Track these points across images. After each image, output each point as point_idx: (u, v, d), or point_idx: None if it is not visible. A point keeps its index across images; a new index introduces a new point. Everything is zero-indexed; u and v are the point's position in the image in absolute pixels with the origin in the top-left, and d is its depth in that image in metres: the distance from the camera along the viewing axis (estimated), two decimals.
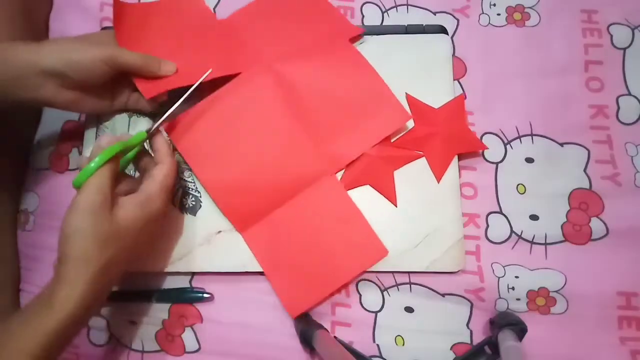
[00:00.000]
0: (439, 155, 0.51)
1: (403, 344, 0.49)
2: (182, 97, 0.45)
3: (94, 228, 0.36)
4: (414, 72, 0.53)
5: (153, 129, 0.43)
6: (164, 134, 0.46)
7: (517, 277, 0.50)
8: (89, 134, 0.53)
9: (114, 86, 0.48)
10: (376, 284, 0.50)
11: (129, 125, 0.53)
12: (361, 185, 0.50)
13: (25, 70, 0.41)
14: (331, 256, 0.48)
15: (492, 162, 0.52)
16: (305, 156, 0.49)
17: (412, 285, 0.50)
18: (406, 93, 0.52)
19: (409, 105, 0.52)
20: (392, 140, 0.51)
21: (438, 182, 0.50)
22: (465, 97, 0.53)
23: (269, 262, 0.49)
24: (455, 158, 0.51)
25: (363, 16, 0.57)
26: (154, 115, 0.53)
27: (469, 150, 0.52)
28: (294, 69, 0.50)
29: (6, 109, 0.44)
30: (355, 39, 0.53)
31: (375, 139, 0.50)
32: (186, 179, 0.51)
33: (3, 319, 0.50)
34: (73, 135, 0.55)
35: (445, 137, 0.51)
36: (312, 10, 0.55)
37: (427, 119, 0.51)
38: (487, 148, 0.52)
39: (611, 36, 0.55)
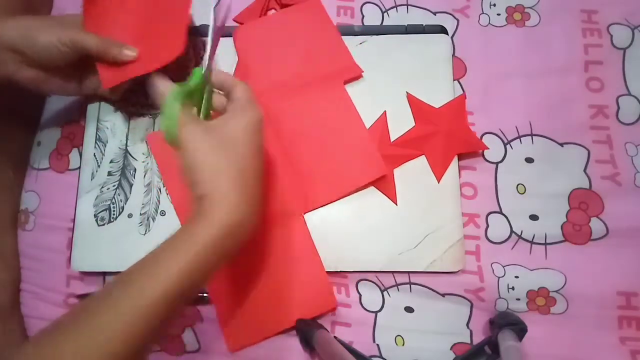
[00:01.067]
0: (439, 155, 0.51)
1: (403, 344, 0.49)
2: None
3: (215, 150, 0.36)
4: (414, 72, 0.53)
5: (206, 68, 0.40)
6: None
7: (517, 277, 0.50)
8: (89, 134, 0.53)
9: (81, 69, 0.48)
10: (376, 284, 0.50)
11: (128, 125, 0.53)
12: None
13: None
14: (282, 297, 0.48)
15: (492, 162, 0.52)
16: (280, 192, 0.49)
17: (412, 285, 0.50)
18: (407, 92, 0.52)
19: (409, 104, 0.52)
20: (392, 140, 0.51)
21: (438, 181, 0.50)
22: (466, 98, 0.53)
23: (218, 289, 0.48)
24: (455, 158, 0.51)
25: (363, 16, 0.57)
26: (154, 116, 0.53)
27: (470, 150, 0.52)
28: (284, 101, 0.50)
29: None
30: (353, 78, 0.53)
31: (350, 188, 0.49)
32: None
33: (3, 319, 0.50)
34: (73, 136, 0.55)
35: (446, 136, 0.51)
36: (320, 41, 0.53)
37: (427, 118, 0.51)
38: (488, 148, 0.52)
39: (611, 36, 0.55)
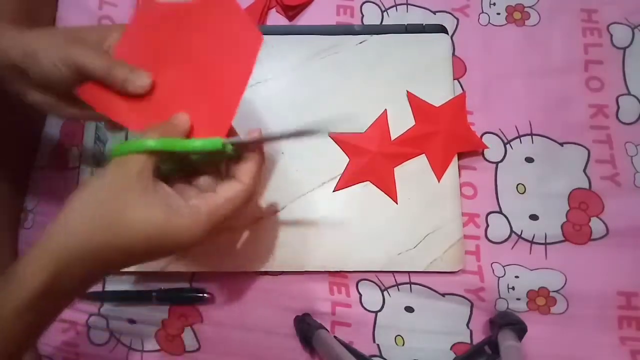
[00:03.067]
0: (439, 154, 0.51)
1: (403, 344, 0.49)
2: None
3: (104, 209, 0.30)
4: (413, 72, 0.53)
5: (229, 141, 0.33)
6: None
7: (517, 277, 0.50)
8: (89, 133, 0.53)
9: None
10: (376, 284, 0.50)
11: None
12: (362, 182, 0.50)
13: None
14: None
15: (492, 162, 0.52)
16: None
17: (412, 285, 0.50)
18: (407, 91, 0.52)
19: (410, 103, 0.52)
20: (392, 139, 0.51)
21: (438, 181, 0.50)
22: (465, 96, 0.53)
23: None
24: (455, 158, 0.51)
25: (363, 15, 0.57)
26: None
27: (470, 149, 0.52)
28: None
29: None
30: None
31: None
32: None
33: None
34: (73, 134, 0.55)
35: (446, 135, 0.51)
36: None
37: (428, 117, 0.51)
38: (488, 147, 0.52)
39: (611, 36, 0.55)
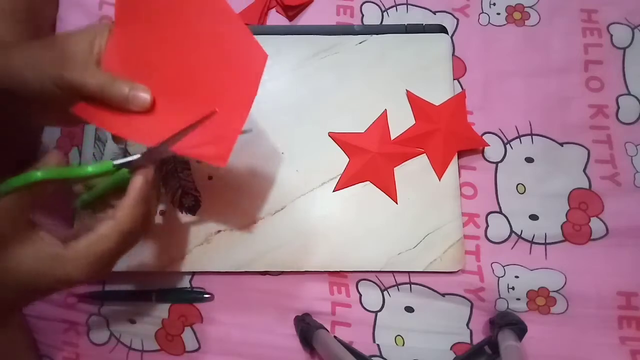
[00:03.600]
0: (440, 153, 0.51)
1: (403, 344, 0.49)
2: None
3: None
4: (413, 72, 0.53)
5: (118, 162, 0.33)
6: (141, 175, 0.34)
7: (517, 276, 0.50)
8: (89, 133, 0.53)
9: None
10: (376, 284, 0.50)
11: None
12: (362, 182, 0.50)
13: None
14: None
15: (492, 162, 0.52)
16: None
17: (412, 285, 0.50)
18: (407, 90, 0.52)
19: (409, 102, 0.52)
20: (392, 138, 0.51)
21: (439, 179, 0.50)
22: (465, 95, 0.53)
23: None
24: (455, 157, 0.51)
25: (362, 15, 0.57)
26: None
27: (470, 147, 0.52)
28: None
29: None
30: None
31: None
32: (185, 178, 0.51)
33: None
34: (73, 135, 0.55)
35: (447, 134, 0.51)
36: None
37: (428, 116, 0.51)
38: (489, 145, 0.52)
39: (611, 36, 0.55)
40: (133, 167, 0.34)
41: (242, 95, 0.36)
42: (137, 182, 0.33)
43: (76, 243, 0.32)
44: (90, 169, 0.32)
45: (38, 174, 0.31)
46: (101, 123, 0.35)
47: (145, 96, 0.34)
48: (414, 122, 0.52)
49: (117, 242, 0.32)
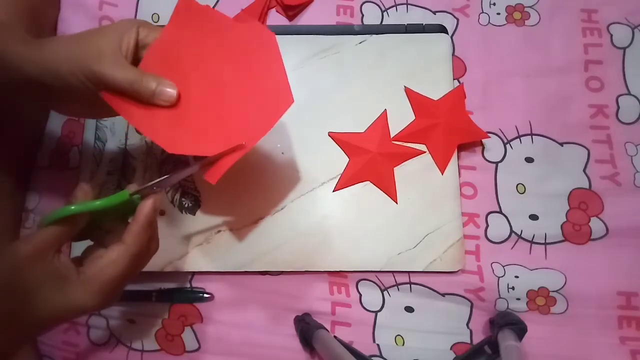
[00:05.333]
0: (441, 147, 0.51)
1: (403, 344, 0.49)
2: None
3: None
4: (413, 72, 0.53)
5: (133, 190, 0.35)
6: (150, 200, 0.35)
7: (517, 276, 0.50)
8: (89, 133, 0.53)
9: None
10: (376, 284, 0.50)
11: (128, 125, 0.53)
12: (362, 182, 0.50)
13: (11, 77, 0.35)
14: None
15: (492, 162, 0.52)
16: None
17: (412, 285, 0.50)
18: (405, 86, 0.52)
19: (408, 98, 0.52)
20: (393, 135, 0.51)
21: (442, 173, 0.50)
22: (465, 97, 0.53)
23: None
24: (455, 157, 0.51)
25: (363, 15, 0.57)
26: None
27: (471, 139, 0.52)
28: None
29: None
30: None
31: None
32: (185, 178, 0.51)
33: None
34: (73, 134, 0.55)
35: (447, 128, 0.51)
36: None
37: (427, 111, 0.52)
38: (489, 137, 0.52)
39: (611, 36, 0.55)
40: (143, 194, 0.36)
41: (255, 129, 0.37)
42: (147, 208, 0.35)
43: (86, 269, 0.33)
44: (113, 200, 0.34)
45: (72, 208, 0.33)
46: (124, 113, 0.36)
47: (171, 92, 0.36)
48: (414, 117, 0.52)
49: (127, 266, 0.34)
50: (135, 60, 0.38)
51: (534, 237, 0.50)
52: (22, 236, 0.32)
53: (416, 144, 0.51)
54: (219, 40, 0.38)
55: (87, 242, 0.37)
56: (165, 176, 0.36)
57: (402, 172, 0.51)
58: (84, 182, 0.35)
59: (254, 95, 0.38)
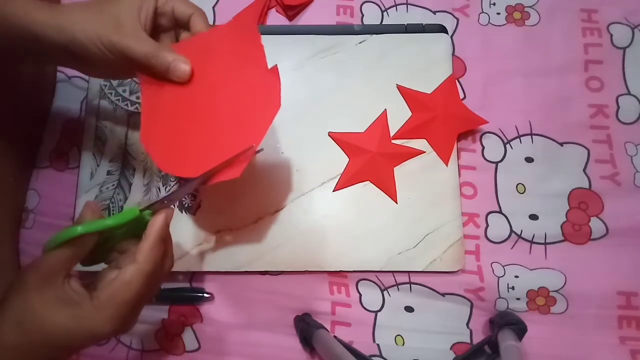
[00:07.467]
0: (442, 138, 0.51)
1: (403, 344, 0.49)
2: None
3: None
4: (413, 72, 0.53)
5: (144, 207, 0.34)
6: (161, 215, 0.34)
7: (516, 276, 0.50)
8: (89, 133, 0.53)
9: None
10: (376, 284, 0.50)
11: (128, 125, 0.53)
12: (362, 182, 0.50)
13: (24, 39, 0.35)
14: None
15: (492, 162, 0.52)
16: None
17: (412, 285, 0.50)
18: (397, 84, 0.52)
19: (402, 95, 0.52)
20: (392, 134, 0.51)
21: (447, 165, 0.50)
22: (465, 97, 0.53)
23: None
24: (455, 158, 0.51)
25: (362, 15, 0.57)
26: None
27: (470, 127, 0.52)
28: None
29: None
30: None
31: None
32: (185, 178, 0.51)
33: None
34: (73, 134, 0.55)
35: (445, 118, 0.51)
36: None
37: (422, 105, 0.52)
38: (488, 122, 0.52)
39: (611, 35, 0.55)
40: (154, 209, 0.34)
41: (246, 139, 0.37)
42: (158, 223, 0.34)
43: (100, 293, 0.32)
44: (123, 218, 0.33)
45: (78, 229, 0.31)
46: (145, 96, 0.37)
47: (185, 67, 0.36)
48: (411, 113, 0.52)
49: (142, 287, 0.32)
50: (154, 28, 0.38)
51: (534, 237, 0.50)
52: (29, 263, 0.31)
53: (416, 140, 0.51)
54: (218, 52, 0.38)
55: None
56: (174, 189, 0.35)
57: (402, 172, 0.51)
58: (91, 201, 0.34)
59: (243, 104, 0.37)
